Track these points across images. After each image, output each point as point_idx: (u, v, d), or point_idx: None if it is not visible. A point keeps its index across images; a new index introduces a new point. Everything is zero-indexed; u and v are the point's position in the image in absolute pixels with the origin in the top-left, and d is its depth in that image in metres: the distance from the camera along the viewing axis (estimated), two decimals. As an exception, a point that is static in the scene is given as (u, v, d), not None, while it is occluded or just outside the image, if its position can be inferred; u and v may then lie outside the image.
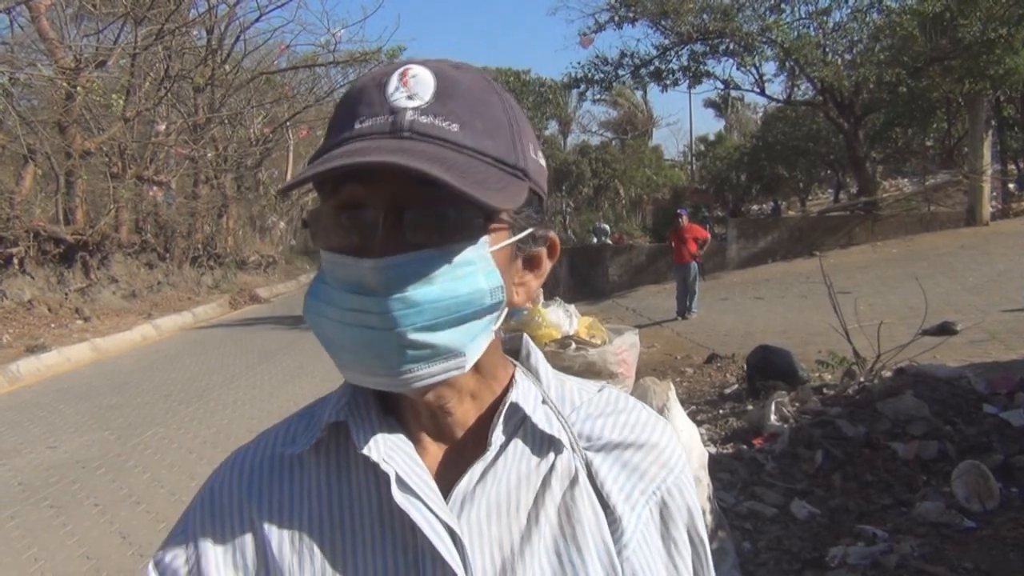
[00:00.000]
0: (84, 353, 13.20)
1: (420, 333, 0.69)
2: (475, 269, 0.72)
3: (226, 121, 24.83)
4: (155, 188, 20.92)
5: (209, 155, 24.12)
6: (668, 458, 0.85)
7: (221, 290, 23.85)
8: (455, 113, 0.72)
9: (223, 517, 0.81)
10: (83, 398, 9.66)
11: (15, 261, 15.47)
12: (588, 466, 0.81)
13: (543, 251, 0.83)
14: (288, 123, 28.28)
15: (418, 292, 0.69)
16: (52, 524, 5.40)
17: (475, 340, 0.74)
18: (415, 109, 0.71)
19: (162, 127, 19.72)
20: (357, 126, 0.72)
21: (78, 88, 15.33)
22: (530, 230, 0.79)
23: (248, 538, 0.79)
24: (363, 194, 0.71)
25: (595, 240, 28.02)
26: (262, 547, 0.78)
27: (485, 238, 0.73)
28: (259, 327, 16.77)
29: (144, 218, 21.56)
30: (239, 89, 25.09)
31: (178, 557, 0.80)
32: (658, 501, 0.83)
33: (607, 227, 30.31)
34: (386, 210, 0.70)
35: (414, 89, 0.72)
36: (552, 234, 0.83)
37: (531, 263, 0.83)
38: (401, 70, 0.73)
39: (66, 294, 16.80)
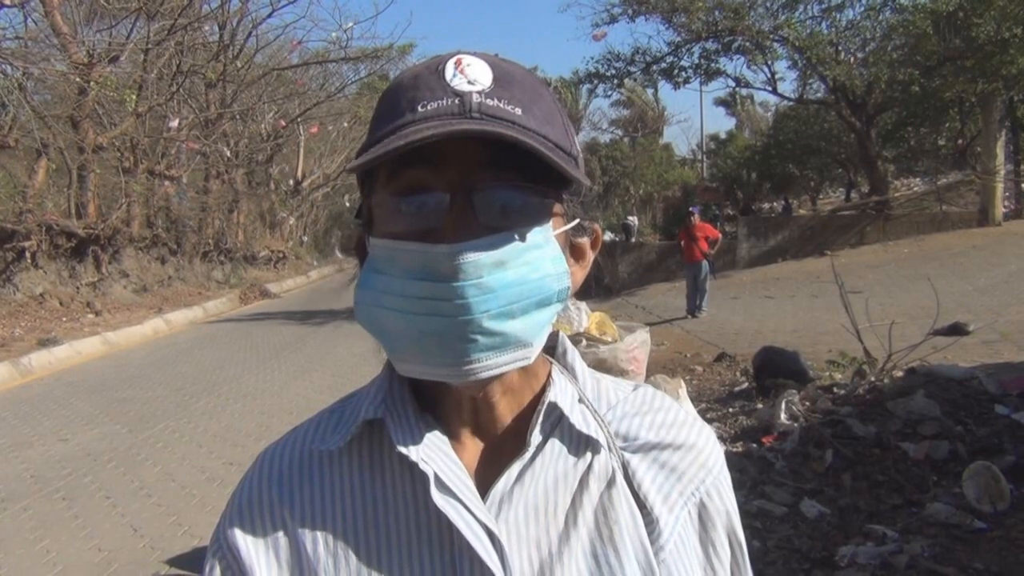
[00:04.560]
0: (95, 347, 13.27)
1: (494, 320, 0.68)
2: (543, 254, 0.72)
3: (237, 117, 24.90)
4: (167, 183, 21.01)
5: (222, 150, 24.19)
6: (707, 459, 0.84)
7: (231, 285, 23.93)
8: (516, 98, 0.71)
9: (256, 522, 0.80)
10: (94, 391, 9.71)
11: (27, 255, 15.56)
12: (625, 467, 0.81)
13: (587, 242, 0.83)
14: (299, 119, 28.34)
15: (493, 277, 0.68)
16: (64, 516, 5.43)
17: (541, 331, 0.73)
18: (479, 92, 0.70)
19: (174, 123, 19.78)
20: (420, 110, 0.70)
21: (91, 83, 15.40)
22: (578, 220, 0.79)
23: (283, 541, 0.78)
24: (427, 177, 0.70)
25: (625, 237, 27.35)
26: (297, 549, 0.78)
27: (551, 222, 0.73)
28: (269, 322, 16.81)
29: (155, 213, 21.66)
30: (251, 85, 25.20)
31: (215, 569, 0.80)
32: (697, 503, 0.82)
33: (635, 221, 29.33)
34: (454, 192, 0.69)
35: (472, 76, 0.71)
36: (596, 226, 0.83)
37: (576, 254, 0.82)
38: (455, 59, 0.73)
39: (77, 288, 16.88)
